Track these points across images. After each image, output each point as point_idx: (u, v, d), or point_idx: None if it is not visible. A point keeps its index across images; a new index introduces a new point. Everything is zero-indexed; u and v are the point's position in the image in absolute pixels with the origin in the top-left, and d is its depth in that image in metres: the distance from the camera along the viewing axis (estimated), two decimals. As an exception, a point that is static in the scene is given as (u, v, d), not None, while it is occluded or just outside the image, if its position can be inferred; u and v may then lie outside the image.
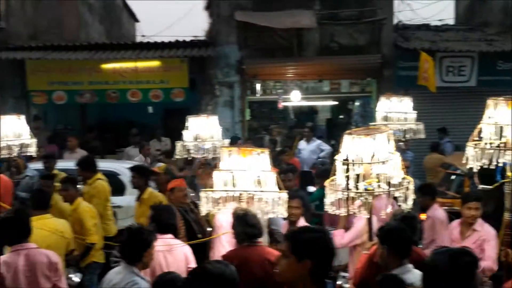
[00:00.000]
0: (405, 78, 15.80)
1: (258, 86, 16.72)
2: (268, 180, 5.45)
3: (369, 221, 5.45)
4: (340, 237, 6.55)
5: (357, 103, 18.33)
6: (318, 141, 14.43)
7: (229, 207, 5.57)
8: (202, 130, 8.26)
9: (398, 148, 11.67)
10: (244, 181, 5.43)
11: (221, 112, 15.88)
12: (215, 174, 5.59)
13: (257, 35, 15.60)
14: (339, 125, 18.10)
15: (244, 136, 16.00)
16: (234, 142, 12.40)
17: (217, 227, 6.60)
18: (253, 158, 5.45)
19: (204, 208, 5.60)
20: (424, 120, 14.60)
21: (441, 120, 15.42)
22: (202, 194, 5.60)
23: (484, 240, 6.52)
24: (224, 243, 6.40)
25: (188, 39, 16.73)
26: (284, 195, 5.48)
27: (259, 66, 15.82)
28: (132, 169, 8.73)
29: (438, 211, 7.28)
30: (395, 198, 5.05)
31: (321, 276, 3.17)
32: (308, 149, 13.98)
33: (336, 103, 18.75)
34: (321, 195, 8.60)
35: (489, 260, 6.33)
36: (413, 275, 4.64)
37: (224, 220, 6.33)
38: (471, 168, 5.32)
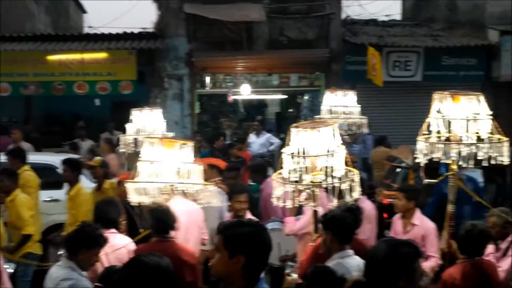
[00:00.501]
0: (353, 72, 15.96)
1: (207, 79, 16.67)
2: (192, 172, 5.43)
3: (315, 213, 5.49)
4: (291, 224, 6.61)
5: (306, 97, 18.44)
6: (268, 135, 14.50)
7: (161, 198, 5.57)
8: (146, 124, 8.16)
9: (344, 142, 11.82)
10: (167, 173, 5.42)
11: (170, 105, 15.82)
12: (139, 165, 5.54)
13: (207, 27, 15.56)
14: (288, 119, 18.18)
15: (193, 129, 15.96)
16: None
17: None
18: (177, 149, 5.43)
19: (133, 199, 5.55)
20: (371, 114, 14.77)
21: (388, 114, 15.69)
22: (128, 185, 5.55)
23: (424, 236, 6.65)
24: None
25: (136, 31, 16.60)
26: (213, 187, 5.46)
27: (208, 59, 15.76)
28: (64, 162, 8.63)
29: (365, 203, 7.35)
30: (341, 191, 5.09)
31: (254, 272, 3.08)
32: (258, 142, 14.05)
33: (285, 96, 18.85)
34: (256, 188, 8.68)
35: (431, 255, 6.48)
36: (353, 260, 4.78)
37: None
38: (417, 162, 5.39)
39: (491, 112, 5.38)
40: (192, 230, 6.55)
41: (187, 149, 5.52)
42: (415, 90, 15.69)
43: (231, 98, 16.75)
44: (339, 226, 4.91)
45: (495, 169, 9.51)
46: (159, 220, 5.35)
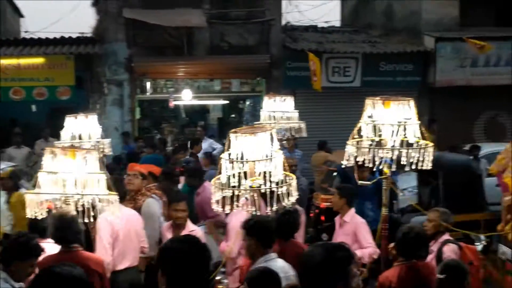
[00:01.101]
0: (293, 78, 16.10)
1: (148, 85, 16.49)
2: (96, 181, 5.21)
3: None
4: (228, 249, 6.54)
5: (247, 102, 18.46)
6: (210, 140, 14.44)
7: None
8: (81, 130, 7.91)
9: (283, 147, 11.92)
10: (70, 183, 5.16)
11: (110, 111, 15.63)
12: (40, 175, 5.26)
13: (147, 32, 15.42)
14: (231, 124, 18.10)
15: (134, 135, 15.79)
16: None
17: (98, 229, 6.32)
18: (80, 159, 5.20)
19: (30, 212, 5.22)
20: (312, 119, 14.94)
21: (329, 119, 15.86)
22: (28, 197, 5.28)
23: (354, 232, 6.74)
24: (106, 244, 6.20)
25: (74, 35, 16.33)
26: (114, 196, 5.32)
27: (148, 64, 15.62)
28: None
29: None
30: (279, 195, 5.10)
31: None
32: (202, 147, 13.98)
33: (227, 102, 18.83)
34: (185, 191, 8.64)
35: (368, 245, 6.58)
36: (277, 263, 4.87)
37: (103, 222, 6.15)
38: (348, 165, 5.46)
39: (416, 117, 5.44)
40: (130, 238, 6.47)
41: (91, 158, 5.31)
42: (354, 95, 15.84)
43: (172, 103, 16.60)
44: (262, 231, 5.00)
45: (429, 173, 9.81)
46: (60, 230, 5.16)
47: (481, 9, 17.43)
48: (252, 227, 5.03)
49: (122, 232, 6.30)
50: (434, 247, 6.12)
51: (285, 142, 10.16)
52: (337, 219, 7.23)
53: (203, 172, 9.52)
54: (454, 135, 15.65)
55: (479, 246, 8.84)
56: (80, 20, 19.26)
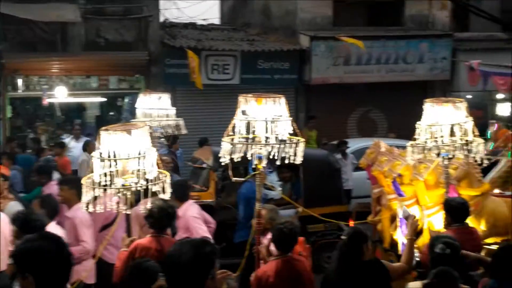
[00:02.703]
0: (173, 75, 16.03)
1: (20, 82, 15.78)
2: None
3: (127, 217, 5.45)
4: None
5: (126, 100, 18.13)
6: (87, 139, 14.08)
7: None
8: None
9: (161, 144, 11.81)
10: None
11: (-22, 109, 14.91)
12: None
13: (18, 28, 14.81)
14: (109, 122, 17.70)
15: (5, 135, 15.10)
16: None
17: None
18: None
19: None
20: (193, 117, 14.96)
21: (209, 116, 15.89)
22: None
23: (76, 226, 6.68)
24: None
25: None
26: None
27: (20, 61, 15.02)
28: None
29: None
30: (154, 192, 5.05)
31: None
32: (78, 147, 13.61)
33: (105, 99, 18.38)
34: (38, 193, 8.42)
35: (82, 243, 6.57)
36: None
37: None
38: (219, 162, 5.46)
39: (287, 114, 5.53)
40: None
41: None
42: (233, 93, 16.00)
43: (46, 101, 16.00)
44: None
45: (289, 169, 9.96)
46: None
47: (354, 10, 18.11)
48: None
49: None
50: (266, 241, 6.26)
51: (163, 139, 10.11)
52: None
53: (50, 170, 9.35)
54: (329, 131, 16.16)
55: None
56: None
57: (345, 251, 5.25)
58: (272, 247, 5.87)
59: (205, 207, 8.22)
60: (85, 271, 6.29)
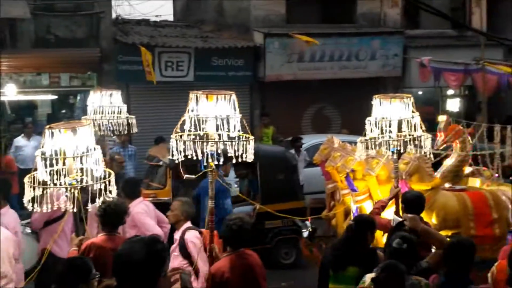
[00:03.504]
0: (126, 72, 15.87)
1: (-32, 80, 15.46)
2: None
3: (75, 215, 5.39)
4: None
5: (78, 97, 17.87)
6: (39, 137, 13.83)
7: None
8: None
9: (114, 142, 11.66)
10: None
11: None
12: None
13: (-36, 24, 14.47)
14: (61, 120, 17.40)
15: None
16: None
17: None
18: None
19: None
20: (146, 114, 14.83)
21: (164, 113, 15.76)
22: None
23: None
24: None
25: None
26: None
27: (-33, 58, 14.66)
28: None
29: None
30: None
31: None
32: (31, 145, 13.59)
33: (56, 97, 18.11)
34: None
35: None
36: None
37: None
38: (172, 159, 5.45)
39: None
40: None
41: None
42: (187, 90, 15.87)
43: (-5, 99, 15.71)
44: None
45: (245, 166, 10.00)
46: None
47: (306, 7, 18.26)
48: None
49: None
50: (177, 235, 6.50)
51: (115, 137, 10.01)
52: None
53: None
54: (284, 127, 16.26)
55: (305, 233, 9.42)
56: None
57: (350, 236, 5.64)
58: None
59: (162, 205, 8.20)
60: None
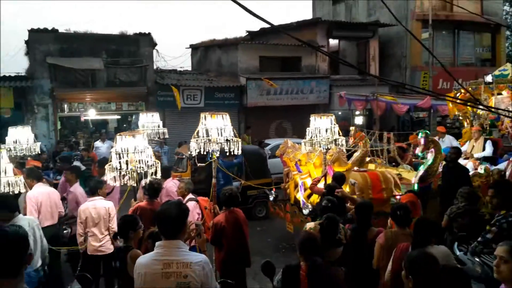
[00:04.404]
0: (163, 102, 15.80)
1: (66, 106, 15.43)
2: None
3: (134, 188, 5.38)
4: None
5: (134, 117, 17.87)
6: (110, 141, 13.87)
7: None
8: (19, 136, 7.23)
9: (156, 143, 11.53)
10: None
11: (40, 124, 14.50)
12: None
13: (63, 72, 14.36)
14: (124, 131, 17.36)
15: (56, 139, 14.73)
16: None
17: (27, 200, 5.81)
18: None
19: None
20: (175, 128, 14.85)
21: (186, 128, 15.57)
22: None
23: (76, 197, 6.40)
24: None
25: (13, 74, 14.83)
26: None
27: (65, 93, 14.62)
28: None
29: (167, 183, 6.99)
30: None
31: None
32: (105, 147, 13.44)
33: (119, 117, 18.14)
34: None
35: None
36: None
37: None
38: (191, 154, 5.34)
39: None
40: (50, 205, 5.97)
41: None
42: (200, 112, 15.91)
43: (83, 118, 15.71)
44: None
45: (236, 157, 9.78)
46: None
47: (272, 62, 18.27)
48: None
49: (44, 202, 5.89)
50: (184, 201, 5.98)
51: (156, 140, 10.01)
52: None
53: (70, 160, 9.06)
54: (259, 135, 16.36)
55: (271, 197, 9.11)
56: (17, 63, 17.53)
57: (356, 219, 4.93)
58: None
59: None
60: None
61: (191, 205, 5.88)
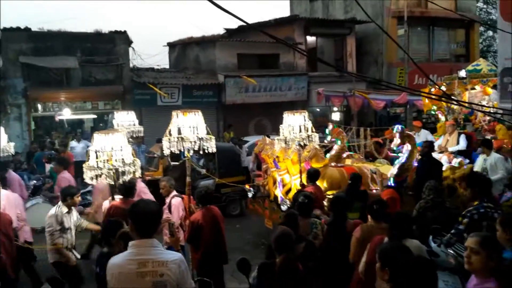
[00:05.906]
0: (139, 100, 15.68)
1: (39, 106, 15.14)
2: None
3: (111, 186, 5.33)
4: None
5: (110, 116, 17.60)
6: (85, 141, 13.71)
7: None
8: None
9: (132, 142, 11.48)
10: None
11: (13, 125, 14.21)
12: None
13: (37, 71, 14.11)
14: (99, 130, 17.11)
15: (30, 139, 14.46)
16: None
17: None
18: None
19: None
20: (152, 126, 14.70)
21: (162, 125, 15.56)
22: None
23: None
24: None
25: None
26: None
27: (39, 92, 14.34)
28: None
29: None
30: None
31: None
32: (80, 146, 13.23)
33: (96, 116, 17.89)
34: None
35: None
36: None
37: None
38: (163, 153, 5.34)
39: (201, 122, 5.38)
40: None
41: None
42: (178, 110, 15.89)
43: (58, 118, 15.45)
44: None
45: (209, 155, 9.77)
46: None
47: (250, 59, 18.22)
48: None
49: None
50: (167, 200, 5.96)
51: (132, 139, 9.95)
52: None
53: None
54: (237, 132, 16.35)
55: (250, 194, 8.93)
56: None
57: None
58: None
59: (156, 180, 7.88)
60: None
61: (176, 201, 5.80)
